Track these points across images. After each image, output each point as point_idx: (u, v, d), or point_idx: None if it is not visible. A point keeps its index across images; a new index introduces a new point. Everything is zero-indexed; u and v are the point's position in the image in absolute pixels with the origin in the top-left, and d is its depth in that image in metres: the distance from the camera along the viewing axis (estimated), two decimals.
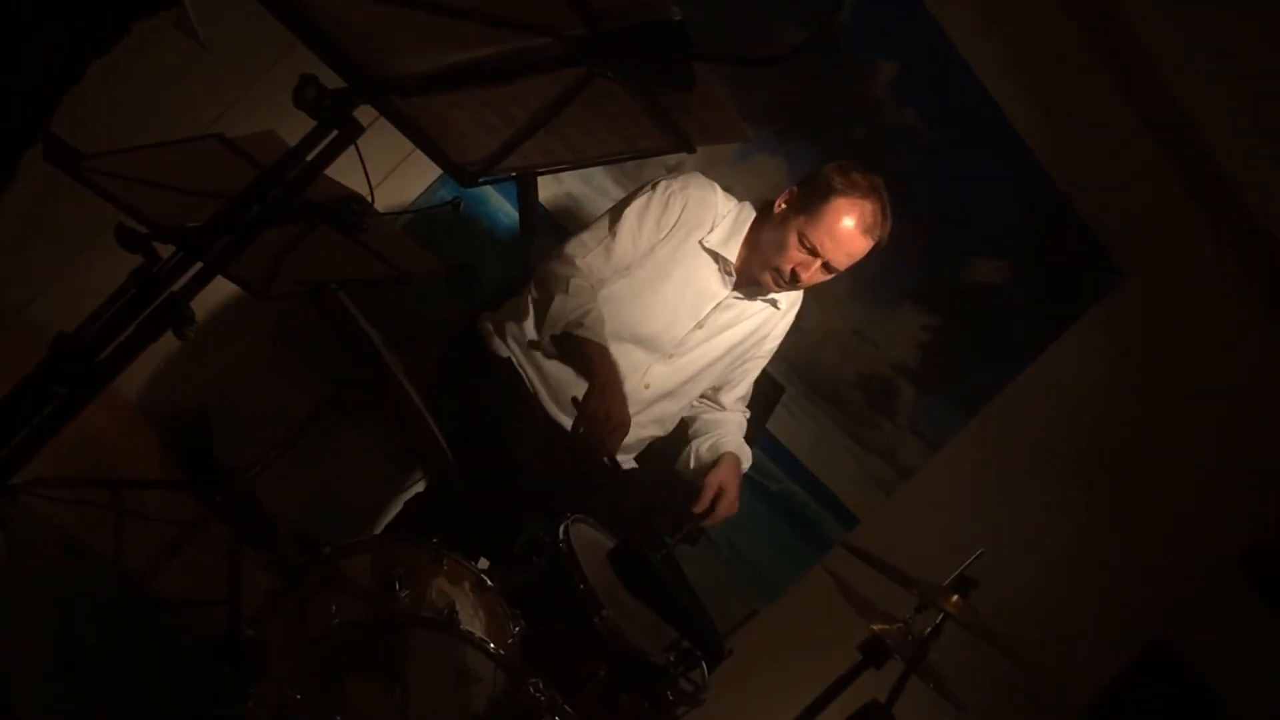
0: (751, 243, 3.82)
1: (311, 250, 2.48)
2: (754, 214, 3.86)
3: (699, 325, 3.82)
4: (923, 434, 5.39)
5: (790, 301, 4.00)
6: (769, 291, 3.85)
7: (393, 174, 4.07)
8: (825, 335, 4.96)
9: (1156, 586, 6.33)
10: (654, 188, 3.79)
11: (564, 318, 3.53)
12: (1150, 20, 4.76)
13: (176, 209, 2.31)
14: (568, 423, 3.64)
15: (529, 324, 3.73)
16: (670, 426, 3.98)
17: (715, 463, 3.86)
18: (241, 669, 2.56)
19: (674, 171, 4.09)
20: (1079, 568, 6.07)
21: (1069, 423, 5.71)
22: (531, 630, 2.77)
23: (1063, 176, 5.09)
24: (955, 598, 3.31)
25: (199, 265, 1.95)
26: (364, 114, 1.87)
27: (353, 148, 1.91)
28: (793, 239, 3.67)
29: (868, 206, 3.65)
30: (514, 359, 3.74)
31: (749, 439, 4.10)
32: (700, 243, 3.78)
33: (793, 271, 3.70)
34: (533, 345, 3.72)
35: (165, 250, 2.17)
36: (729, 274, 3.81)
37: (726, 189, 3.89)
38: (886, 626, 3.32)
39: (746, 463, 3.96)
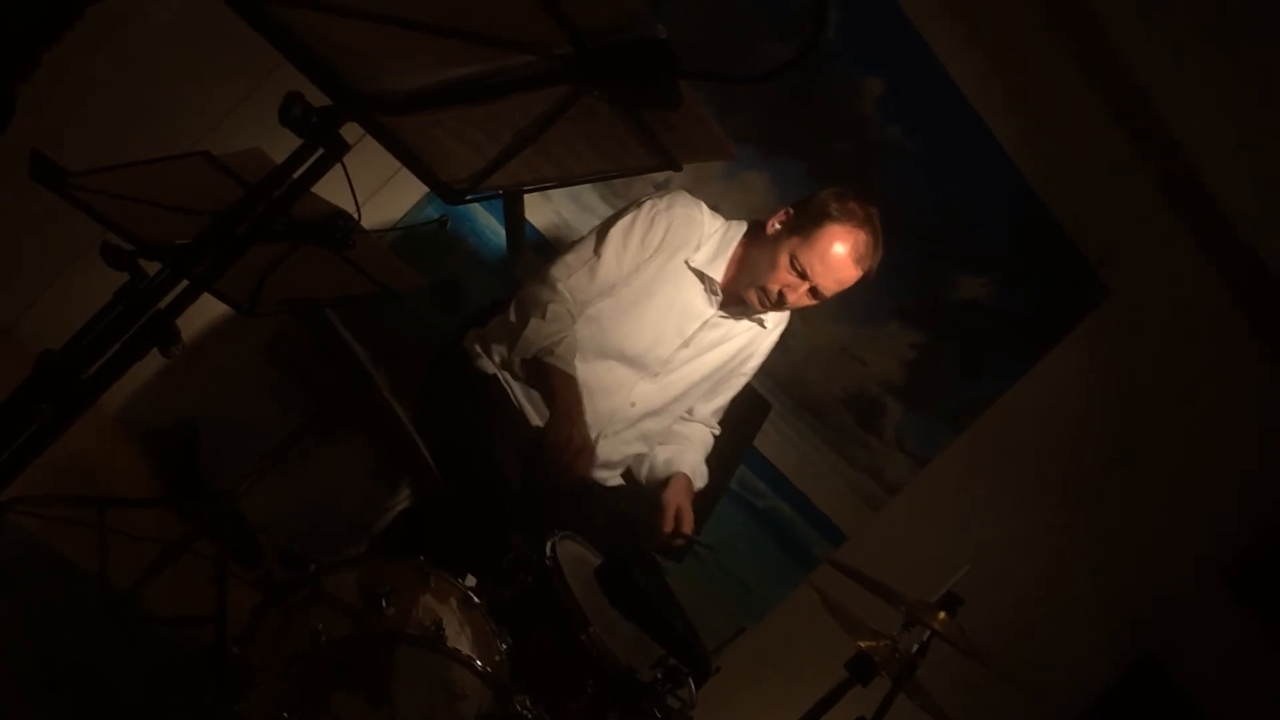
0: (740, 261, 3.83)
1: (298, 267, 2.48)
2: (741, 232, 3.86)
3: (685, 344, 3.82)
4: (909, 450, 5.40)
5: (777, 320, 4.00)
6: (754, 311, 3.85)
7: (380, 191, 4.07)
8: (812, 352, 4.97)
9: (1143, 601, 6.34)
10: (639, 207, 3.79)
11: (537, 344, 3.54)
12: (1135, 38, 4.78)
13: (163, 226, 2.31)
14: None
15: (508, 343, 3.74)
16: (655, 443, 3.98)
17: (667, 480, 3.87)
18: (228, 686, 2.55)
19: (661, 189, 4.10)
20: (1066, 583, 6.07)
21: (1055, 439, 5.72)
22: (518, 647, 2.76)
23: (1048, 193, 5.10)
24: (942, 614, 3.31)
25: (185, 283, 1.95)
26: (351, 132, 1.87)
27: (339, 165, 1.91)
28: (784, 260, 3.67)
29: (861, 236, 3.67)
30: (500, 376, 3.74)
31: (730, 459, 4.10)
32: (686, 262, 3.78)
33: (779, 293, 3.70)
34: (506, 364, 3.72)
35: (151, 268, 2.17)
36: (714, 293, 3.81)
37: (714, 206, 3.90)
38: (873, 643, 3.32)
39: (700, 482, 3.96)
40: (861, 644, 3.30)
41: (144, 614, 3.16)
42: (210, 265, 1.93)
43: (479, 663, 2.61)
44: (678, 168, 1.99)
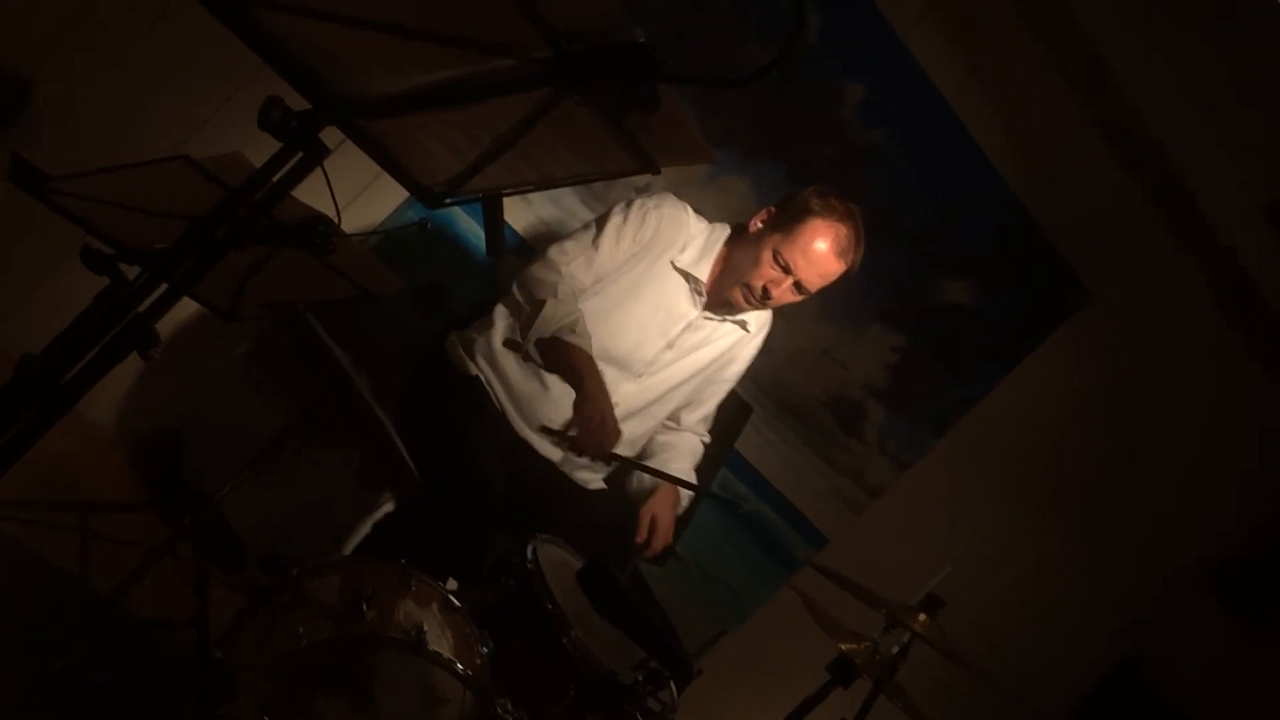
0: (724, 261, 3.85)
1: (279, 272, 2.48)
2: (726, 235, 3.88)
3: (669, 346, 3.83)
4: (891, 454, 5.41)
5: (759, 325, 4.01)
6: (739, 311, 3.86)
7: (361, 196, 4.07)
8: (794, 355, 4.97)
9: (1125, 604, 6.35)
10: (629, 205, 3.81)
11: (556, 322, 3.55)
12: (1117, 43, 4.79)
13: (143, 231, 2.30)
14: (536, 441, 3.66)
15: (498, 341, 3.74)
16: (638, 447, 3.98)
17: (653, 490, 3.87)
18: (210, 690, 2.55)
19: (643, 192, 4.11)
20: (1047, 586, 6.09)
21: (1036, 441, 5.73)
22: (500, 650, 2.76)
23: (1029, 197, 5.12)
24: (923, 617, 3.31)
25: (165, 287, 1.95)
26: (332, 136, 1.88)
27: (320, 169, 1.92)
28: (767, 255, 3.70)
29: (843, 230, 3.70)
30: (482, 377, 3.74)
31: (712, 463, 4.11)
32: (671, 262, 3.80)
33: (764, 288, 3.72)
34: (502, 357, 3.72)
35: (132, 272, 2.17)
36: (699, 294, 3.82)
37: (696, 210, 3.91)
38: (855, 646, 3.33)
39: (689, 493, 3.96)
40: (843, 646, 3.31)
41: (127, 618, 3.16)
42: (190, 269, 1.93)
43: (460, 666, 2.61)
44: (657, 171, 2.00)
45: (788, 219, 3.73)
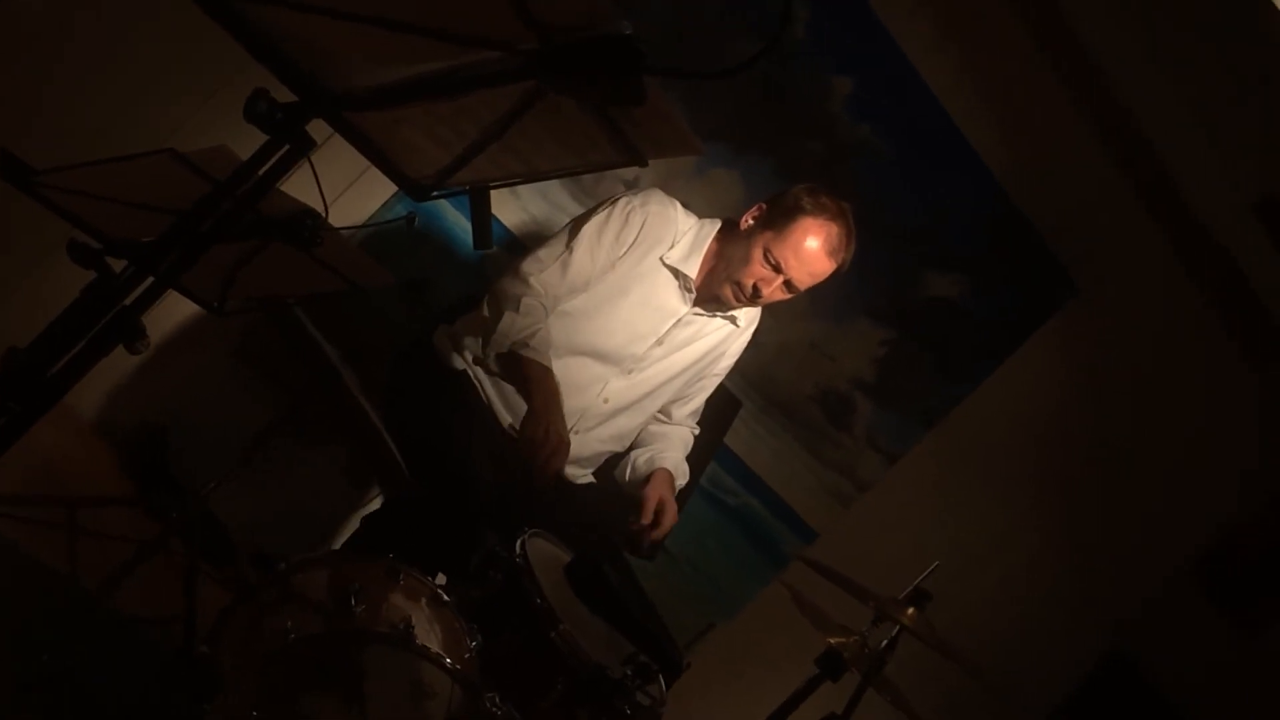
0: (714, 258, 3.84)
1: (267, 266, 2.48)
2: (715, 230, 3.87)
3: (658, 342, 3.82)
4: (880, 448, 5.41)
5: (748, 320, 4.01)
6: (728, 308, 3.86)
7: (348, 189, 4.07)
8: (782, 350, 4.98)
9: (1113, 598, 6.36)
10: (614, 204, 3.79)
11: (511, 336, 3.53)
12: (1107, 38, 4.80)
13: (129, 224, 2.30)
14: None
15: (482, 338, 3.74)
16: (627, 442, 3.98)
17: (649, 477, 3.86)
18: (198, 686, 2.55)
19: (631, 186, 4.11)
20: (1036, 580, 6.10)
21: (1025, 436, 5.74)
22: (488, 645, 2.77)
23: (1018, 192, 5.12)
24: (911, 610, 3.32)
25: (151, 280, 1.95)
26: (320, 130, 1.87)
27: (307, 162, 1.91)
28: (757, 254, 3.69)
29: (834, 229, 3.69)
30: (469, 372, 3.73)
31: (701, 457, 4.11)
32: (661, 259, 3.79)
33: (754, 286, 3.71)
34: (478, 360, 3.72)
35: (119, 265, 2.16)
36: (689, 290, 3.82)
37: (684, 204, 3.90)
38: (843, 639, 3.34)
39: (681, 480, 3.96)
40: (831, 640, 3.32)
41: (114, 613, 3.16)
42: (176, 262, 1.93)
43: (449, 661, 2.61)
44: (644, 163, 2.00)
45: (779, 217, 3.72)
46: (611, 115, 1.87)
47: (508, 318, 3.54)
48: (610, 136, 1.92)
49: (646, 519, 3.69)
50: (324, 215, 2.25)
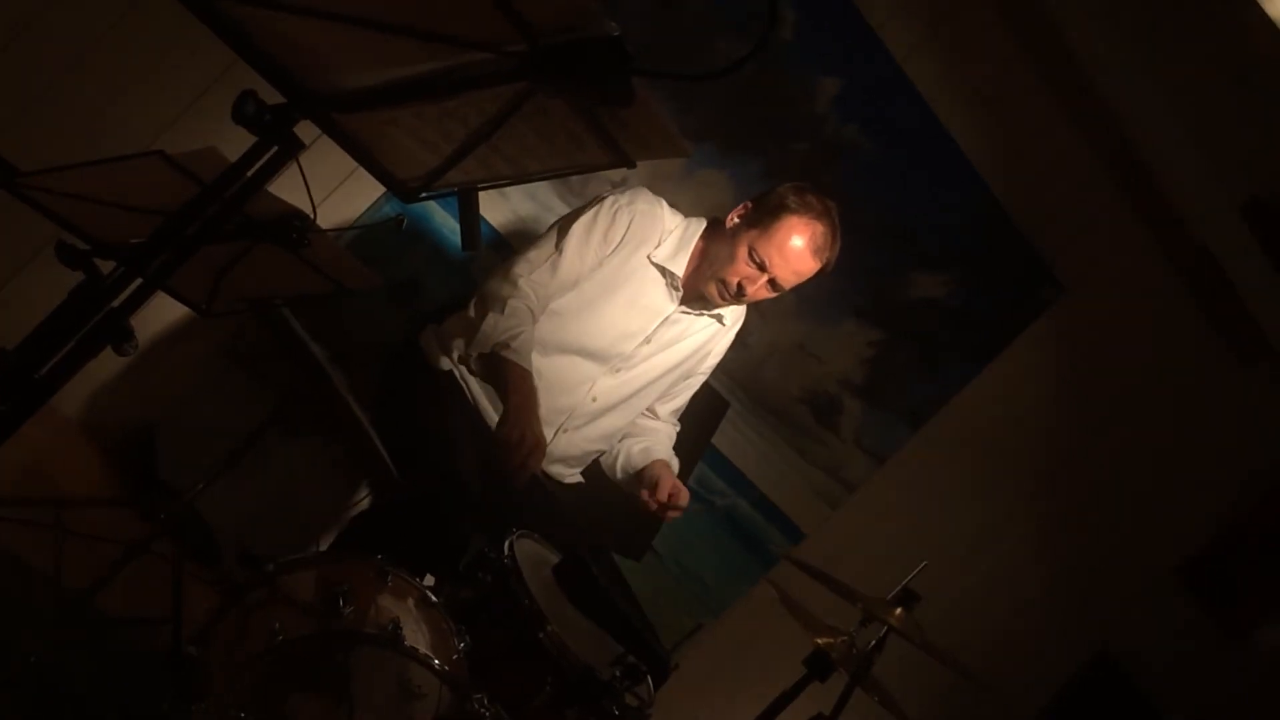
0: (700, 256, 3.83)
1: (255, 267, 2.48)
2: (702, 229, 3.86)
3: (646, 340, 3.83)
4: (867, 448, 5.42)
5: (734, 318, 4.01)
6: (714, 306, 3.86)
7: (336, 190, 4.07)
8: (770, 350, 4.98)
9: (1100, 597, 6.38)
10: (601, 203, 3.78)
11: (494, 338, 3.51)
12: (1092, 39, 4.81)
13: (119, 225, 2.30)
14: None
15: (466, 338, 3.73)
16: (614, 441, 3.98)
17: (648, 466, 3.86)
18: (185, 687, 2.55)
19: (619, 187, 4.11)
20: (1023, 580, 6.12)
21: (1012, 436, 5.75)
22: (476, 646, 2.76)
23: (1005, 192, 5.13)
24: (899, 611, 3.32)
25: (140, 282, 1.95)
26: (308, 131, 1.87)
27: (295, 163, 1.91)
28: (742, 252, 3.69)
29: (819, 228, 3.68)
30: (456, 371, 3.73)
31: (689, 457, 4.11)
32: (648, 258, 3.79)
33: (739, 285, 3.70)
34: (464, 361, 3.71)
35: (107, 267, 2.16)
36: (676, 289, 3.82)
37: (672, 204, 3.90)
38: (831, 640, 3.34)
39: (674, 471, 3.95)
40: (819, 640, 3.32)
41: (101, 614, 3.15)
42: (165, 264, 1.93)
43: (437, 661, 2.62)
44: (632, 165, 2.00)
45: (764, 215, 3.71)
46: (599, 117, 1.87)
47: (491, 319, 3.53)
48: (598, 138, 1.92)
49: (663, 496, 3.67)
50: (312, 217, 2.26)
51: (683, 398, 4.11)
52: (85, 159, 2.21)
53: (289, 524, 4.27)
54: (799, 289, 3.81)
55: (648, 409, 4.05)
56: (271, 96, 1.85)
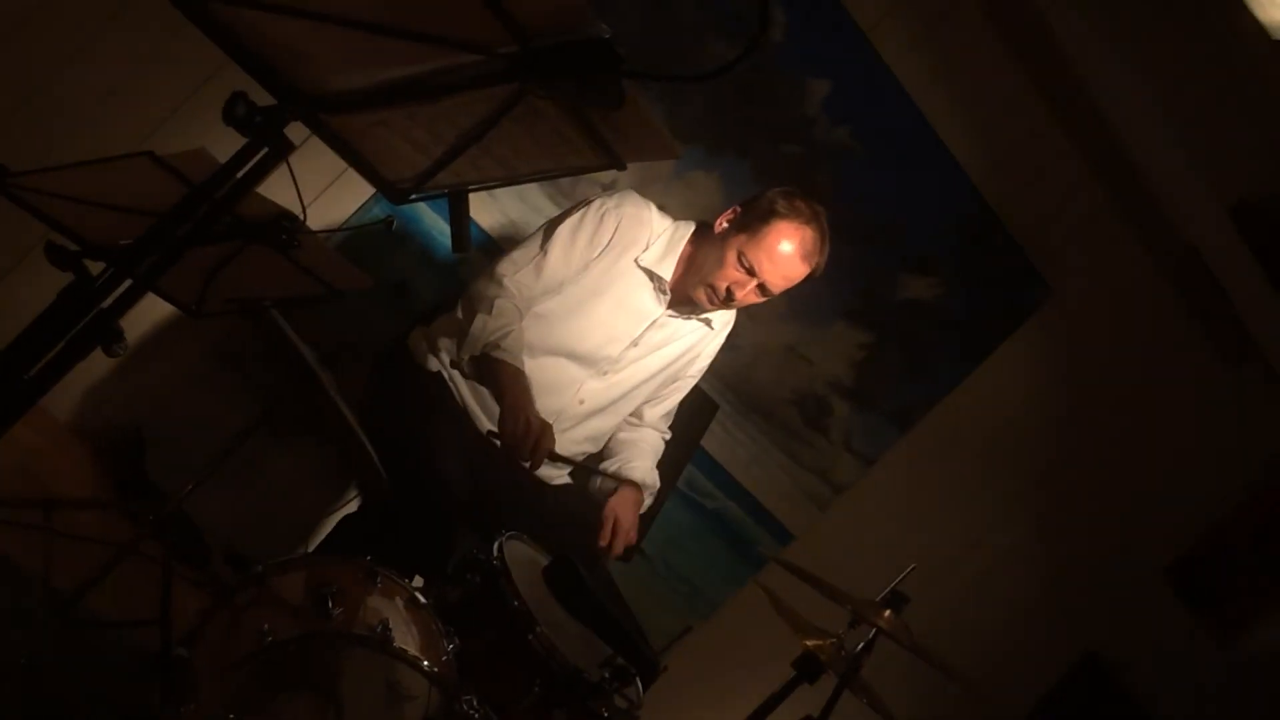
0: (688, 260, 3.83)
1: (244, 268, 2.48)
2: (690, 232, 3.86)
3: (634, 343, 3.82)
4: (857, 450, 5.42)
5: (723, 321, 4.01)
6: (703, 310, 3.85)
7: (326, 192, 4.06)
8: (760, 352, 4.98)
9: (1088, 599, 6.39)
10: (588, 206, 3.78)
11: (483, 339, 3.51)
12: (1082, 40, 4.81)
13: (108, 226, 2.30)
14: None
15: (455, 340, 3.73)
16: (602, 443, 3.98)
17: (615, 490, 3.84)
18: (173, 688, 2.54)
19: (608, 189, 4.11)
20: (1011, 582, 6.12)
21: (1001, 438, 5.76)
22: (465, 647, 2.76)
23: (994, 194, 5.14)
24: (888, 613, 3.32)
25: (129, 283, 1.94)
26: (298, 132, 1.87)
27: (285, 165, 1.91)
28: (731, 257, 3.68)
29: (808, 233, 3.68)
30: (445, 373, 3.72)
31: (678, 460, 4.10)
32: (635, 261, 3.79)
33: (728, 289, 3.70)
34: (454, 363, 3.71)
35: (97, 268, 2.16)
36: (664, 292, 3.81)
37: (661, 206, 3.90)
38: (820, 642, 3.34)
39: (650, 491, 3.94)
40: (808, 643, 3.32)
41: (90, 616, 3.15)
42: (154, 265, 1.92)
43: (426, 663, 2.62)
44: (622, 167, 2.00)
45: (753, 220, 3.71)
46: (589, 119, 1.87)
47: (479, 319, 3.53)
48: (588, 140, 1.92)
49: (604, 540, 3.67)
50: (302, 218, 2.25)
51: (671, 401, 4.10)
52: (75, 159, 2.21)
53: (277, 525, 4.27)
54: (788, 292, 3.81)
55: (634, 414, 4.04)
56: (262, 98, 1.85)
